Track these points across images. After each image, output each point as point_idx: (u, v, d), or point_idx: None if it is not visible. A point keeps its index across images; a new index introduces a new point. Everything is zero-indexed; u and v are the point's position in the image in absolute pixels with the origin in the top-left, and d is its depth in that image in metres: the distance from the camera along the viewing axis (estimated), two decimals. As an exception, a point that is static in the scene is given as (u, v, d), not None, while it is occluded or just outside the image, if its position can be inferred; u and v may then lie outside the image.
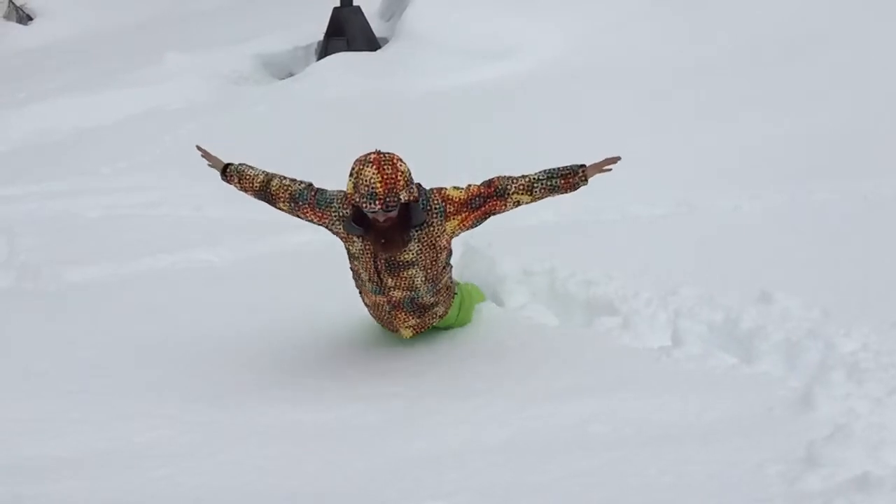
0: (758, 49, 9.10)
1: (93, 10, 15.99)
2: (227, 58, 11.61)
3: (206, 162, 4.22)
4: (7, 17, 16.32)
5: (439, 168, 7.27)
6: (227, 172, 4.11)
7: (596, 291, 4.31)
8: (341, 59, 10.91)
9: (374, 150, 3.66)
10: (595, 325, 4.09)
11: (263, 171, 4.06)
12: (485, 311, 4.29)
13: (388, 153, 3.64)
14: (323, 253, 5.55)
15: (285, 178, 3.99)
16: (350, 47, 11.35)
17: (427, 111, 9.03)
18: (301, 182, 3.96)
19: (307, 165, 7.60)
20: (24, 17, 16.34)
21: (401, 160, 3.64)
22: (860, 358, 3.37)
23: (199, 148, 4.24)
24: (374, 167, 3.55)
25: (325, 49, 11.56)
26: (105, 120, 9.53)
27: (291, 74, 11.34)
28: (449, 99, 9.29)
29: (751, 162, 6.59)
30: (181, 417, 3.41)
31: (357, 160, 3.64)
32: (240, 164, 4.13)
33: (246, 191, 4.07)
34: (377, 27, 11.96)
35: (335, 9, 11.68)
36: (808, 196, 5.68)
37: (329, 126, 8.86)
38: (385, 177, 3.54)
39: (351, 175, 3.62)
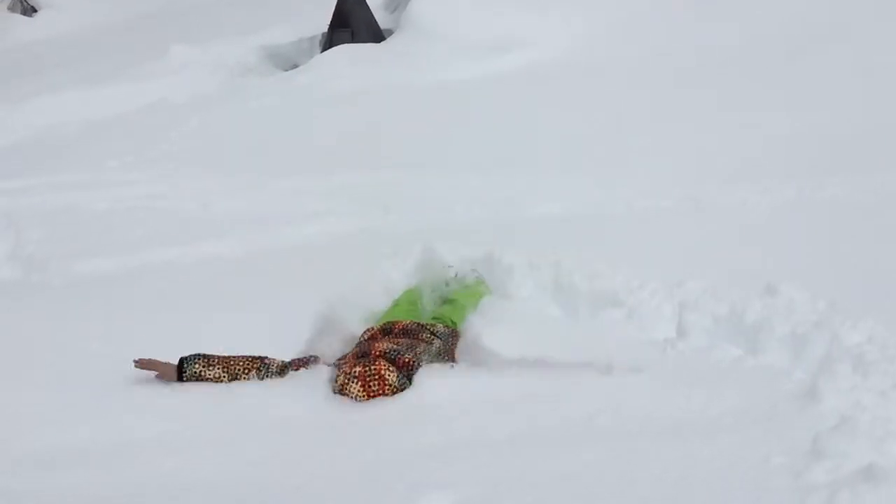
0: (767, 44, 9.08)
1: (97, 2, 16.01)
2: (232, 50, 11.62)
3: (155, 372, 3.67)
4: (11, 8, 16.33)
5: (441, 160, 7.30)
6: (185, 377, 3.64)
7: (601, 283, 4.32)
8: (346, 51, 10.92)
9: (359, 363, 3.49)
10: (600, 317, 4.10)
11: (226, 371, 3.64)
12: (490, 304, 4.30)
13: (374, 367, 3.46)
14: (330, 245, 5.58)
15: (251, 376, 3.63)
16: (355, 39, 11.36)
17: (431, 103, 9.02)
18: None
19: (311, 156, 7.65)
20: (29, 9, 16.34)
21: (388, 369, 3.47)
22: (866, 350, 3.37)
23: (139, 363, 3.64)
24: (360, 383, 3.42)
25: (329, 41, 11.56)
26: (111, 113, 9.55)
27: (296, 66, 11.34)
28: (453, 91, 9.29)
29: (758, 157, 6.58)
30: (188, 410, 3.43)
31: (342, 371, 3.49)
32: (195, 365, 3.63)
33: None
34: (382, 19, 11.96)
35: (339, 0, 11.68)
36: (815, 191, 5.67)
37: (334, 117, 8.87)
38: (371, 394, 3.42)
39: (334, 389, 3.48)
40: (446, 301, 4.45)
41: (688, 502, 2.60)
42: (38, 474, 2.94)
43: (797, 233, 4.98)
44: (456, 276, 4.76)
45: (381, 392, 3.44)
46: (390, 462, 2.94)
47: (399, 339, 3.77)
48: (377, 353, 3.61)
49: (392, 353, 3.62)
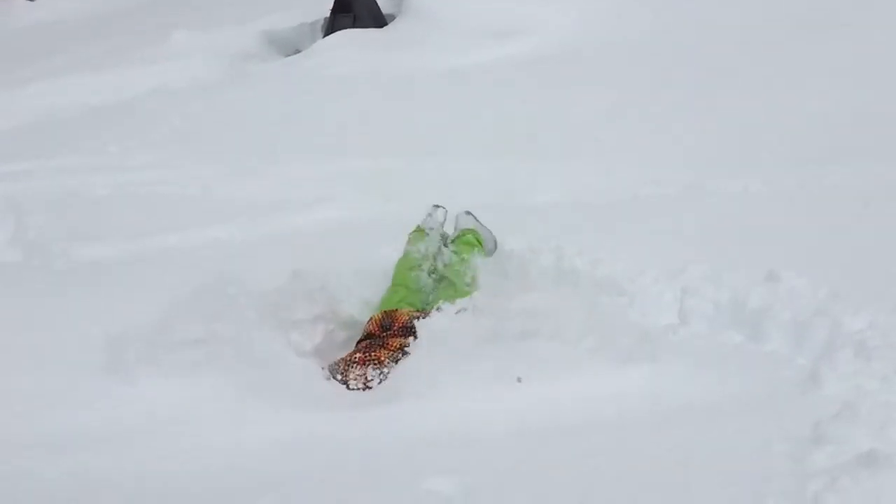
0: (770, 30, 9.03)
1: (98, -14, 15.94)
2: (234, 35, 11.56)
3: None
4: (13, -8, 16.28)
5: (442, 147, 7.29)
6: None
7: (602, 270, 4.31)
8: (348, 36, 10.87)
9: (359, 350, 3.57)
10: (601, 304, 4.09)
11: None
12: (490, 292, 4.28)
13: (374, 354, 3.57)
14: (331, 232, 5.57)
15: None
16: (356, 24, 11.30)
17: (433, 89, 9.00)
18: None
19: (313, 142, 7.64)
20: (30, -6, 16.28)
21: (388, 361, 3.55)
22: (867, 336, 3.37)
23: None
24: (359, 367, 3.51)
25: (331, 26, 11.51)
26: (112, 98, 9.52)
27: (298, 51, 11.29)
28: (455, 77, 9.25)
29: (760, 144, 6.56)
30: (191, 396, 3.43)
31: (343, 360, 3.58)
32: None
33: None
34: (384, 4, 11.91)
35: (341, -15, 11.64)
36: (818, 178, 5.65)
37: (335, 103, 8.84)
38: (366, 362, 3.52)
39: (334, 376, 3.55)
40: (443, 278, 4.43)
41: (688, 488, 2.61)
42: (38, 458, 2.95)
43: (799, 220, 4.97)
44: (449, 230, 4.75)
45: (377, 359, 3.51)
46: (392, 450, 2.95)
47: (400, 341, 3.76)
48: (379, 358, 3.62)
49: (393, 358, 3.63)
